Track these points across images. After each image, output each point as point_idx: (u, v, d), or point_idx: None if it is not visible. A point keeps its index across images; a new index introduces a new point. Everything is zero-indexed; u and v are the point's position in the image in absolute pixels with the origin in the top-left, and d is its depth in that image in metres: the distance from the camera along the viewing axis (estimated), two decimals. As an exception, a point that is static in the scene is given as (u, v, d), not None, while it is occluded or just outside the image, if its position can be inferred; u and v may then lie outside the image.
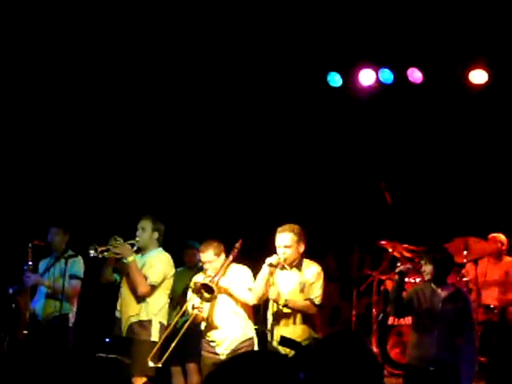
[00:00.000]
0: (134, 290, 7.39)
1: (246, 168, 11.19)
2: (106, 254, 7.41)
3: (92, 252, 7.34)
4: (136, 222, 7.65)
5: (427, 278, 7.07)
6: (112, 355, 7.87)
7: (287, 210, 9.94)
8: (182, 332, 7.35)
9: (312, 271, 7.11)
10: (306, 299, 7.01)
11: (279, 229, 7.08)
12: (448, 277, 9.09)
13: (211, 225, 10.00)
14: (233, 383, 1.90)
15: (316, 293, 7.01)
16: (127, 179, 10.92)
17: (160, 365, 7.29)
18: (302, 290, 7.03)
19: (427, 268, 7.02)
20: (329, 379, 2.99)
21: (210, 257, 7.35)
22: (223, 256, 7.44)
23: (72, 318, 8.35)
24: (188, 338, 8.13)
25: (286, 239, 6.99)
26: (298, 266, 7.09)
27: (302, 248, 7.08)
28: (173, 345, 7.32)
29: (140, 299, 7.39)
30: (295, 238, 7.00)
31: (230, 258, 7.41)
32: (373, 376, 3.02)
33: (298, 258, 7.07)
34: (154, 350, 7.24)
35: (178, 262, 8.58)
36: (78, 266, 8.29)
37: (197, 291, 7.21)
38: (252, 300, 7.23)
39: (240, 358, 2.06)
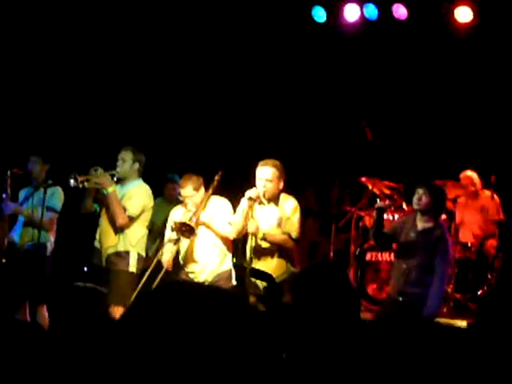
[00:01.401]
0: (112, 221, 7.40)
1: (229, 101, 11.14)
2: (86, 184, 7.38)
3: (72, 182, 7.31)
4: (117, 153, 7.62)
5: (418, 208, 7.05)
6: (90, 284, 7.92)
7: (268, 145, 9.94)
8: (161, 274, 7.39)
9: (289, 205, 7.14)
10: (283, 233, 7.05)
11: (261, 162, 7.09)
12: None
13: (192, 158, 9.99)
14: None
15: (293, 227, 7.05)
16: (109, 109, 10.85)
17: None
18: (279, 225, 7.07)
19: (424, 199, 6.99)
20: (309, 308, 3.03)
21: (190, 192, 7.34)
22: (203, 190, 7.44)
23: (50, 247, 8.33)
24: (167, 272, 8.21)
25: (267, 173, 7.00)
26: (276, 201, 7.11)
27: (281, 184, 7.10)
28: (160, 276, 7.36)
29: (118, 230, 7.40)
30: (277, 173, 7.02)
31: (210, 191, 7.42)
32: (350, 306, 3.06)
33: (277, 193, 7.09)
34: (142, 283, 7.29)
35: (157, 193, 8.60)
36: (56, 197, 8.24)
37: (177, 230, 7.23)
38: (231, 233, 7.27)
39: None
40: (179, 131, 11.01)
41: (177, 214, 7.51)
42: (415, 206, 7.08)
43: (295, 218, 7.09)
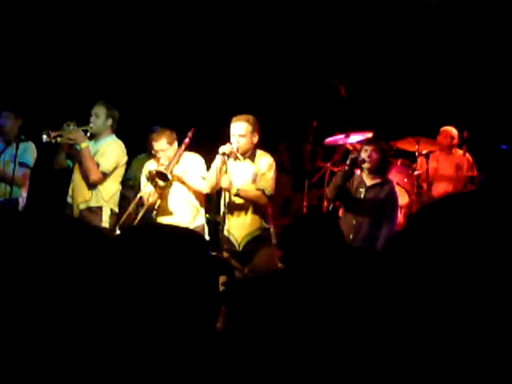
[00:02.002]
0: (85, 176, 7.38)
1: (203, 57, 11.06)
2: (59, 139, 7.36)
3: (45, 137, 7.29)
4: (91, 108, 7.58)
5: (368, 166, 7.12)
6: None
7: (241, 100, 9.91)
8: (138, 218, 7.40)
9: (264, 162, 7.15)
10: (257, 189, 7.07)
11: (234, 118, 7.10)
12: (395, 168, 9.29)
13: (166, 114, 9.94)
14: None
15: (267, 183, 7.07)
16: (83, 62, 10.74)
17: None
18: (254, 181, 7.08)
19: (374, 156, 7.08)
20: (300, 258, 3.06)
21: (163, 145, 7.35)
22: (176, 145, 7.45)
23: (22, 202, 8.31)
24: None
25: (240, 128, 7.01)
26: (251, 157, 7.13)
27: (255, 139, 7.10)
28: (140, 215, 7.39)
29: (91, 186, 7.38)
30: (250, 127, 7.02)
31: (183, 146, 7.43)
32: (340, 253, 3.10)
33: (251, 148, 7.10)
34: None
35: (140, 149, 8.61)
36: (29, 153, 8.20)
37: (151, 179, 7.24)
38: (205, 188, 7.28)
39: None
40: (155, 87, 10.93)
41: (150, 167, 7.51)
42: (366, 165, 7.13)
43: (270, 174, 7.11)
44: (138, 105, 10.30)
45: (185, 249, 1.94)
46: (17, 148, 7.85)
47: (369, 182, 7.16)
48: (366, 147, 7.23)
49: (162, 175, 7.22)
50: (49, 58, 10.64)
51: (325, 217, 3.65)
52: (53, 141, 7.32)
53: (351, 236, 6.99)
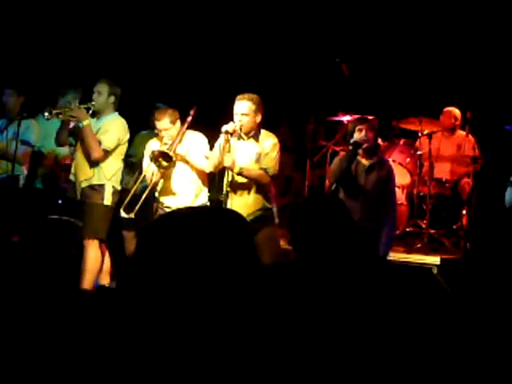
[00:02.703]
0: (87, 154, 7.35)
1: (205, 35, 11.01)
2: (60, 116, 7.35)
3: (47, 114, 7.29)
4: (93, 86, 7.55)
5: (367, 145, 7.11)
6: (64, 217, 7.91)
7: (243, 78, 9.88)
8: (142, 198, 7.40)
9: (269, 142, 7.13)
10: (260, 168, 7.05)
11: (238, 96, 7.08)
12: (398, 148, 9.28)
13: (169, 92, 9.91)
14: (169, 237, 1.87)
15: (270, 163, 7.05)
16: (86, 40, 10.69)
17: None
18: (258, 161, 7.07)
19: (369, 135, 7.07)
20: (308, 241, 3.03)
21: (166, 124, 7.34)
22: (179, 123, 7.44)
23: (22, 180, 8.34)
24: (144, 204, 8.21)
25: (243, 107, 6.99)
26: (256, 137, 7.11)
27: (258, 118, 7.08)
28: (136, 208, 7.38)
29: (93, 164, 7.36)
30: (253, 106, 7.01)
31: (185, 125, 7.42)
32: (350, 238, 3.08)
33: (254, 127, 7.09)
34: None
35: (143, 126, 8.59)
36: (31, 131, 8.25)
37: (155, 159, 7.22)
38: (208, 167, 7.27)
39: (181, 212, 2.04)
40: (159, 64, 10.89)
41: (153, 146, 7.50)
42: (365, 144, 7.11)
43: (274, 154, 7.09)
44: (141, 82, 10.27)
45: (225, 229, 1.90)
46: (19, 126, 7.87)
47: (366, 162, 7.13)
48: (359, 127, 7.19)
49: (165, 155, 7.21)
50: (52, 36, 10.60)
51: (331, 198, 3.63)
52: (55, 117, 7.31)
53: (357, 217, 6.98)
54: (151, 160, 7.27)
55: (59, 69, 10.39)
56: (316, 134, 10.41)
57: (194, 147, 7.38)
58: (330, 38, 10.54)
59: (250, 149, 7.09)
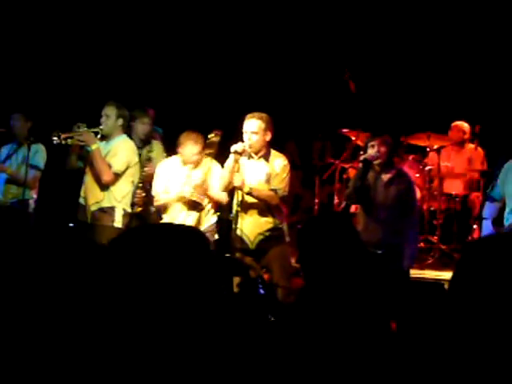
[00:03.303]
0: (97, 177, 7.37)
1: (211, 56, 11.02)
2: (69, 141, 7.36)
3: (55, 139, 7.30)
4: (100, 110, 7.56)
5: (378, 161, 7.10)
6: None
7: (249, 97, 9.90)
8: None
9: (279, 162, 7.13)
10: (270, 189, 7.04)
11: (248, 115, 7.08)
12: (407, 163, 9.26)
13: (173, 114, 9.93)
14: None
15: (281, 184, 7.04)
16: (91, 65, 10.71)
17: None
18: (267, 181, 7.06)
19: (382, 150, 7.06)
20: (316, 259, 3.02)
21: (196, 150, 7.32)
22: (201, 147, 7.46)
23: (32, 204, 8.35)
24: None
25: (253, 125, 6.98)
26: (266, 157, 7.10)
27: (268, 137, 7.07)
28: None
29: (104, 187, 7.38)
30: (262, 125, 7.00)
31: (210, 151, 7.49)
32: (358, 256, 3.06)
33: (263, 146, 7.08)
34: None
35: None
36: (40, 155, 8.28)
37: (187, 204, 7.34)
38: (219, 188, 7.26)
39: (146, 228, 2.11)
40: (161, 87, 10.90)
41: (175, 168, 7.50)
42: (376, 161, 7.10)
43: (284, 175, 7.08)
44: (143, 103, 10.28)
45: (188, 247, 1.94)
46: (28, 150, 7.91)
47: (384, 176, 7.11)
48: (371, 143, 7.18)
49: (197, 203, 7.34)
50: (56, 61, 10.62)
51: (339, 216, 3.62)
52: (63, 142, 7.32)
53: (377, 233, 6.96)
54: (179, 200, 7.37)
55: (65, 93, 10.42)
56: (324, 151, 10.41)
57: (212, 176, 7.42)
58: (336, 55, 10.53)
59: (260, 169, 7.08)
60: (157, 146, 8.32)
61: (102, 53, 10.79)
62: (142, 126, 8.08)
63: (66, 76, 10.60)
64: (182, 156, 7.45)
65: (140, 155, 7.81)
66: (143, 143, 8.07)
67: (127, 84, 10.45)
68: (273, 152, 7.16)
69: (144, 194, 7.73)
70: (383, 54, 10.61)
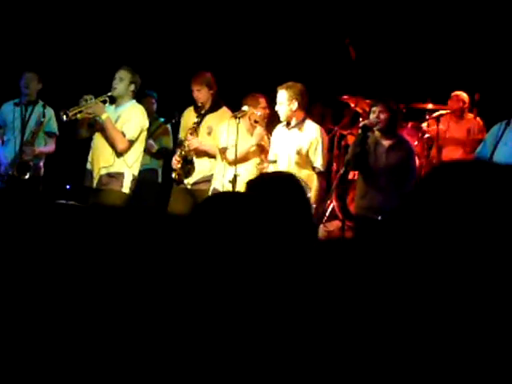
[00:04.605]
0: (110, 143, 7.33)
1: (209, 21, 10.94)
2: (78, 115, 7.33)
3: (64, 117, 7.24)
4: (104, 76, 7.56)
5: (380, 126, 7.12)
6: (72, 202, 7.92)
7: (253, 61, 9.92)
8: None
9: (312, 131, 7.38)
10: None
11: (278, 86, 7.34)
12: (405, 130, 9.28)
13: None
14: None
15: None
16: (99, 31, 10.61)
17: None
18: (299, 152, 7.22)
19: (382, 116, 7.07)
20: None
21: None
22: None
23: (42, 167, 8.33)
24: (144, 188, 8.30)
25: (279, 96, 7.26)
26: (299, 126, 7.31)
27: (294, 106, 7.25)
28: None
29: (117, 153, 7.34)
30: (286, 94, 7.23)
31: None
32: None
33: (289, 115, 7.28)
34: None
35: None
36: (53, 120, 8.19)
37: None
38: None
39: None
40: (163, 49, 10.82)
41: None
42: (376, 126, 7.13)
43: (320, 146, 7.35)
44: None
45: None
46: (43, 116, 7.92)
47: (385, 142, 7.14)
48: (373, 108, 7.21)
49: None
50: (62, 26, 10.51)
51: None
52: (72, 118, 7.29)
53: (377, 198, 7.01)
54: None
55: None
56: (323, 118, 10.41)
57: None
58: (337, 21, 10.48)
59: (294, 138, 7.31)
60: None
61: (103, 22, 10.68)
62: None
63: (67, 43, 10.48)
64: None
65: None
66: None
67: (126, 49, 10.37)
68: (307, 122, 7.36)
69: (179, 166, 7.86)
70: (384, 20, 10.54)
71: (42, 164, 8.26)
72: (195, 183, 7.86)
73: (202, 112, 7.89)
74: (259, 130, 7.48)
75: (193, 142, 7.78)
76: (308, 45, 10.72)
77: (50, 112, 8.10)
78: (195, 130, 7.82)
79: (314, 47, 10.68)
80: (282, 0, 10.79)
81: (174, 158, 7.90)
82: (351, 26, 10.15)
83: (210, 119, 7.94)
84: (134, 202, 7.63)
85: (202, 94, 7.89)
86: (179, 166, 7.80)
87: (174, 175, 7.88)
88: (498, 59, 9.85)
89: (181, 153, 7.82)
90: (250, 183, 3.23)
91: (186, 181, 7.82)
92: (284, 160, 7.26)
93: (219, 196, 2.19)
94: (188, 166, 7.82)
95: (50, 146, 8.19)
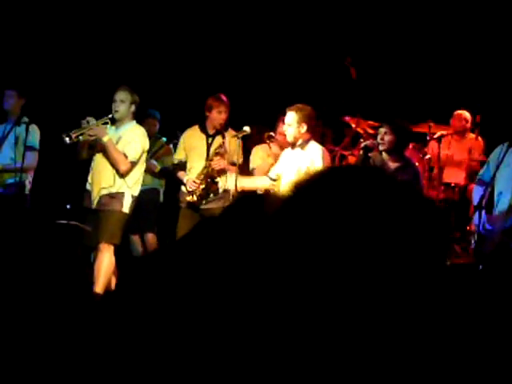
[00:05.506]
0: (111, 165, 7.30)
1: (211, 40, 10.96)
2: (81, 138, 7.31)
3: (67, 139, 7.22)
4: (96, 100, 7.56)
5: (383, 148, 7.11)
6: (72, 222, 7.91)
7: (250, 83, 9.92)
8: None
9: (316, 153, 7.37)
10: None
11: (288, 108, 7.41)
12: (407, 151, 9.26)
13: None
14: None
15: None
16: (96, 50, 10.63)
17: None
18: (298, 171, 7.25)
19: (387, 137, 7.05)
20: None
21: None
22: None
23: (28, 185, 8.28)
24: (146, 208, 8.27)
25: (287, 117, 7.34)
26: (302, 146, 7.37)
27: (302, 129, 7.30)
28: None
29: (121, 176, 7.32)
30: (296, 116, 7.29)
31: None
32: None
33: (297, 137, 7.34)
34: None
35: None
36: (35, 136, 8.19)
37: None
38: None
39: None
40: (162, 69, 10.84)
41: None
42: (380, 147, 7.12)
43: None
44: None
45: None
46: (27, 131, 7.89)
47: (392, 165, 7.11)
48: (380, 129, 7.22)
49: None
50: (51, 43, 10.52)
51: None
52: (75, 140, 7.27)
53: None
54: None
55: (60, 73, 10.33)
56: (324, 138, 10.40)
57: None
58: (338, 41, 10.50)
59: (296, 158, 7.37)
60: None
61: (101, 43, 10.69)
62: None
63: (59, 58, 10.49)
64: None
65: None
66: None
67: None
68: (311, 142, 7.38)
69: (203, 187, 7.86)
70: (385, 40, 10.57)
71: (28, 182, 8.22)
72: (207, 202, 7.95)
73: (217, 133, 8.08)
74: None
75: (221, 163, 7.81)
76: (309, 65, 10.74)
77: (33, 128, 8.09)
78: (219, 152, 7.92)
79: (314, 67, 10.70)
80: (283, 21, 10.79)
81: (190, 181, 7.90)
82: (352, 46, 10.16)
83: (218, 140, 8.03)
84: (135, 221, 7.64)
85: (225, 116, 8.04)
86: (202, 186, 7.81)
87: (190, 198, 7.86)
88: (498, 80, 9.85)
89: (204, 175, 7.83)
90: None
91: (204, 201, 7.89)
92: (286, 178, 7.32)
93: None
94: (214, 187, 7.86)
95: (31, 161, 8.15)
